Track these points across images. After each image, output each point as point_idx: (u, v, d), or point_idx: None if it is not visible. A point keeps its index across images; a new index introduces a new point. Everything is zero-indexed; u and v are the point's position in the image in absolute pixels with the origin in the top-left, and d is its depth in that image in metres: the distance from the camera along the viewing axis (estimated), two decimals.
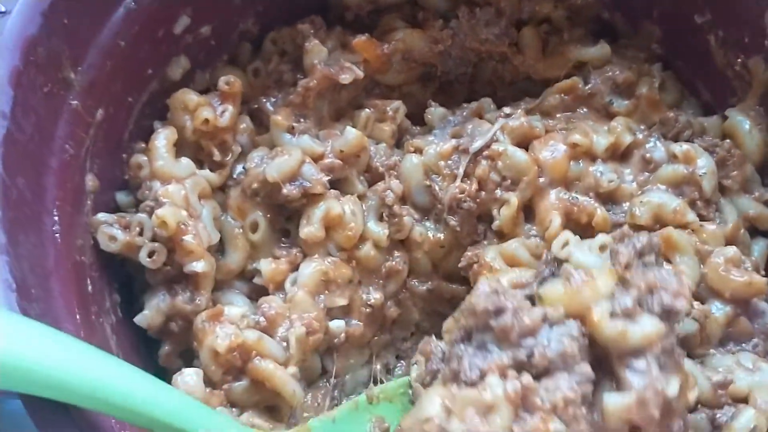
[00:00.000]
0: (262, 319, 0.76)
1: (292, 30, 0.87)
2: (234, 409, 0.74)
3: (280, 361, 0.75)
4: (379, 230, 0.82)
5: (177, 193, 0.75)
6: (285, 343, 0.75)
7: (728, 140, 0.84)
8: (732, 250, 0.77)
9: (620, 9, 0.91)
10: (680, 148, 0.82)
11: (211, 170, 0.81)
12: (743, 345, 0.77)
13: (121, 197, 0.79)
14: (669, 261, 0.77)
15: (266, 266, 0.79)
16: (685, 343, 0.74)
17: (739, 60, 0.82)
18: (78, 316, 0.68)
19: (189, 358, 0.78)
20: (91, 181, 0.74)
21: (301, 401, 0.75)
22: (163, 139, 0.78)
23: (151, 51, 0.80)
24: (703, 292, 0.78)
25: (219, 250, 0.81)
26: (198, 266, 0.75)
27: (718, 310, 0.77)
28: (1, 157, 0.63)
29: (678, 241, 0.77)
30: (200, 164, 0.82)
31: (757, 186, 0.85)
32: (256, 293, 0.81)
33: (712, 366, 0.75)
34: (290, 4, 0.89)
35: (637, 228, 0.77)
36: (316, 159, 0.82)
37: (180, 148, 0.81)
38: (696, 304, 0.75)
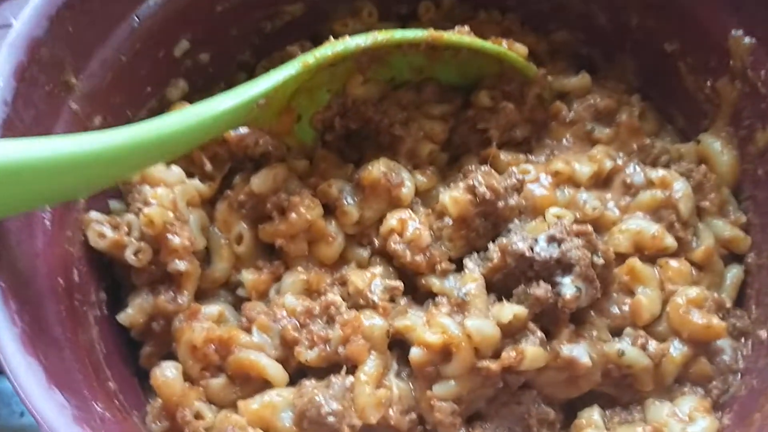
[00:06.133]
0: (244, 320, 0.77)
1: (282, 53, 0.92)
2: (212, 406, 0.74)
3: (262, 350, 0.75)
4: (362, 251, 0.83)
5: (165, 196, 0.77)
6: (266, 336, 0.75)
7: (704, 165, 0.86)
8: (695, 292, 0.77)
9: (596, 44, 0.95)
10: (656, 173, 0.84)
11: (201, 181, 0.83)
12: (698, 388, 0.77)
13: (114, 204, 0.82)
14: (632, 292, 0.78)
15: (249, 276, 0.80)
16: (636, 379, 0.74)
17: (708, 83, 0.86)
18: (62, 297, 0.69)
19: (169, 360, 0.77)
20: None
21: (284, 385, 0.74)
22: None
23: (151, 69, 0.85)
24: (664, 330, 0.78)
25: (205, 260, 0.82)
26: (181, 265, 0.76)
27: (676, 350, 0.76)
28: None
29: (641, 273, 0.78)
30: (191, 176, 0.83)
31: (733, 209, 0.86)
32: (240, 303, 0.82)
33: (648, 418, 0.74)
34: (285, 36, 0.93)
35: (619, 256, 0.79)
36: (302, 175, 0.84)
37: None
38: (653, 342, 0.75)
